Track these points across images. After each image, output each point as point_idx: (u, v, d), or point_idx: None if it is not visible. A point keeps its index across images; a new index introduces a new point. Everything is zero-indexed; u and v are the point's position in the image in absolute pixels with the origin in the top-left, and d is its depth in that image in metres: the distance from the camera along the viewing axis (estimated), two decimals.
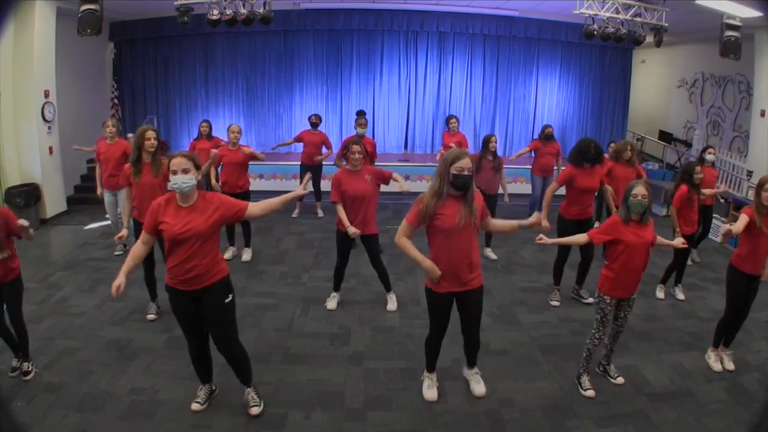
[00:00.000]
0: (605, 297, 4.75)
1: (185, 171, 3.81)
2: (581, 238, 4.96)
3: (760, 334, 6.15)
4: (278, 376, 5.02)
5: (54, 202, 10.10)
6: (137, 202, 5.84)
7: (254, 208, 4.12)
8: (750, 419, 4.59)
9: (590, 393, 4.81)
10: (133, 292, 6.66)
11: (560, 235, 6.38)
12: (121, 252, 8.19)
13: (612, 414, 4.59)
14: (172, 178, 3.82)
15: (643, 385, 5.03)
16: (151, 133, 5.77)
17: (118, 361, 5.19)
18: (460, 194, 4.13)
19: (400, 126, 14.15)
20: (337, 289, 6.58)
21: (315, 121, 10.02)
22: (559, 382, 5.06)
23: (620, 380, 4.99)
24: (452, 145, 9.44)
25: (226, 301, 4.09)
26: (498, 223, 4.59)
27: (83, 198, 11.09)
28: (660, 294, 7.06)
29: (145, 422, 4.31)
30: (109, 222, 8.54)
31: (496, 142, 8.01)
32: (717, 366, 5.35)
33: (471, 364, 4.81)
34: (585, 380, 4.92)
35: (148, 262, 5.92)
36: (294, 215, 10.24)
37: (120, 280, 3.83)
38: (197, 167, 3.91)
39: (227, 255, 7.73)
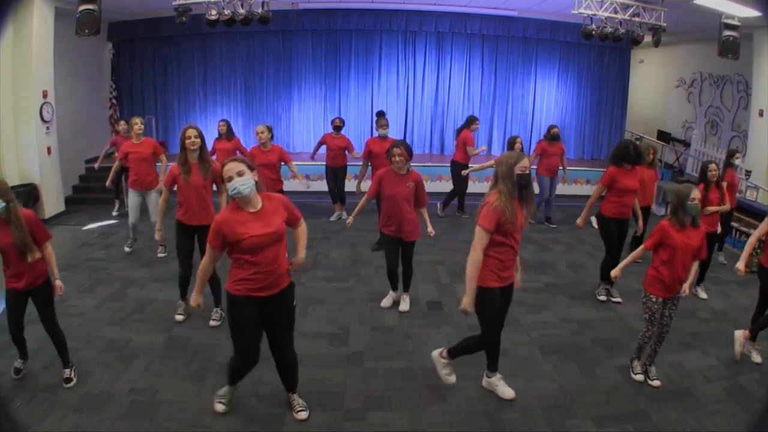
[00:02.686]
0: (651, 296, 4.90)
1: (240, 174, 3.72)
2: (639, 252, 5.07)
3: (760, 334, 6.14)
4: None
5: (52, 203, 10.09)
6: (185, 203, 5.76)
7: (301, 226, 4.21)
8: (749, 419, 4.60)
9: (639, 377, 5.09)
10: (132, 292, 6.69)
11: (601, 232, 6.85)
12: (165, 254, 8.05)
13: (612, 414, 4.60)
14: (228, 185, 3.73)
15: (643, 385, 5.03)
16: (191, 131, 5.61)
17: (117, 362, 5.18)
18: (520, 194, 4.22)
19: (399, 126, 14.10)
20: (394, 288, 6.59)
21: (339, 125, 9.98)
22: (559, 382, 5.06)
23: (657, 383, 5.00)
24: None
25: (295, 303, 4.12)
26: None
27: (82, 198, 11.10)
28: (702, 294, 7.21)
29: (144, 422, 4.31)
30: (109, 222, 8.50)
31: (521, 143, 8.09)
32: (758, 358, 5.54)
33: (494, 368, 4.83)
34: (636, 365, 5.18)
35: (186, 264, 5.92)
36: (334, 218, 10.30)
37: (198, 299, 4.10)
38: (251, 168, 3.83)
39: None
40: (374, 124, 13.56)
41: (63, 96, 10.41)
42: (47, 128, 9.81)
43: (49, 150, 9.90)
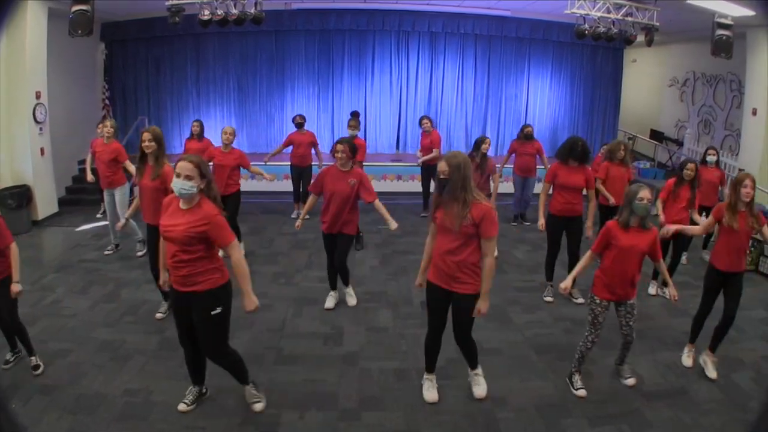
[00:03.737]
0: (596, 297, 4.78)
1: (188, 177, 3.79)
2: (587, 259, 4.93)
3: (753, 332, 6.19)
4: (272, 377, 5.02)
5: (46, 204, 10.06)
6: (141, 203, 5.90)
7: (235, 254, 4.02)
8: (745, 417, 4.63)
9: (581, 392, 4.82)
10: (125, 293, 6.68)
11: (548, 231, 6.79)
12: (111, 251, 8.23)
13: (607, 413, 4.62)
14: (174, 180, 3.82)
15: (638, 384, 5.05)
16: (145, 135, 5.63)
17: (111, 363, 5.18)
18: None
19: (392, 126, 14.17)
20: (332, 287, 6.60)
21: (300, 122, 10.00)
22: (553, 381, 5.08)
23: (631, 381, 4.98)
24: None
25: (213, 313, 4.00)
26: None
27: (75, 199, 11.07)
28: (651, 290, 7.22)
29: (139, 423, 4.31)
30: (102, 224, 8.51)
31: (488, 145, 8.01)
32: (688, 362, 5.43)
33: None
34: (577, 379, 4.92)
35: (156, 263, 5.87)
36: (294, 215, 10.24)
37: (164, 276, 4.36)
38: (202, 176, 3.87)
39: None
40: (365, 125, 13.70)
41: (56, 97, 10.36)
42: (40, 129, 9.78)
43: (42, 151, 9.87)
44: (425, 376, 4.81)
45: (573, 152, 6.43)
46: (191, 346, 4.23)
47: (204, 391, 4.61)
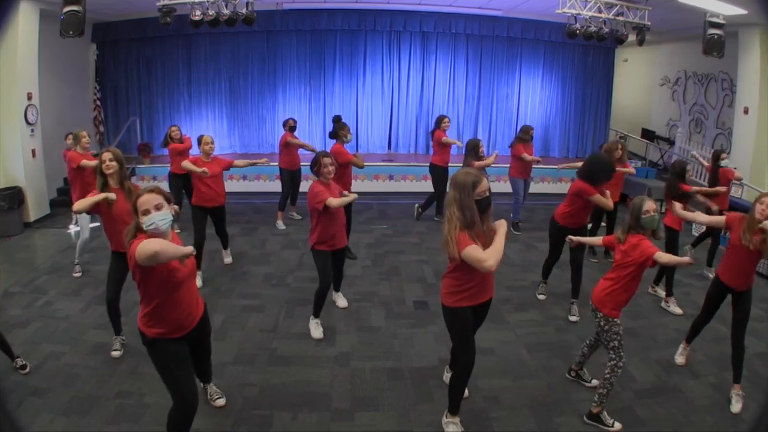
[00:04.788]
0: (617, 320, 4.41)
1: (158, 207, 3.40)
2: (598, 240, 5.00)
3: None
4: (264, 378, 5.03)
5: (37, 206, 10.04)
6: (110, 232, 5.12)
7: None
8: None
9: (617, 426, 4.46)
10: None
11: (552, 238, 6.66)
12: (80, 273, 7.52)
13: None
14: (145, 218, 3.37)
15: (630, 382, 5.10)
16: (106, 155, 4.99)
17: (103, 365, 5.19)
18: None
19: (384, 126, 14.19)
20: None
21: (293, 125, 9.73)
22: (546, 380, 5.11)
23: (595, 382, 4.89)
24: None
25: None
26: None
27: (66, 201, 11.00)
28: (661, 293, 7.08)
29: (131, 426, 4.33)
30: (93, 225, 8.39)
31: (483, 147, 8.05)
32: (681, 360, 5.45)
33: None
34: (606, 416, 4.51)
35: (116, 294, 5.37)
36: (281, 226, 9.98)
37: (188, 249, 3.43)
38: (168, 201, 3.52)
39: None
40: (357, 125, 13.72)
41: (47, 98, 10.35)
42: (32, 131, 9.77)
43: (33, 152, 9.85)
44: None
45: (605, 176, 6.12)
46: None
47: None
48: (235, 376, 5.05)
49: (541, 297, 6.97)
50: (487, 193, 3.87)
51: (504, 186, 10.98)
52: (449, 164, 9.91)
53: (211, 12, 9.11)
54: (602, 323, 4.39)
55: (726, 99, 12.26)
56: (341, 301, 6.64)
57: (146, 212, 3.38)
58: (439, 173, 9.81)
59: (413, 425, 4.45)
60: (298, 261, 8.05)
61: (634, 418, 4.58)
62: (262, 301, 6.68)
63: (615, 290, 4.35)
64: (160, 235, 3.38)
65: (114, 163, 4.97)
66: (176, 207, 3.76)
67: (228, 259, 7.96)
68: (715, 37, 9.13)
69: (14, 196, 9.28)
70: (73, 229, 9.56)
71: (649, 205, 4.29)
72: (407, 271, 7.77)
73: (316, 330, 5.89)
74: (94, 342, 5.60)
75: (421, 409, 4.64)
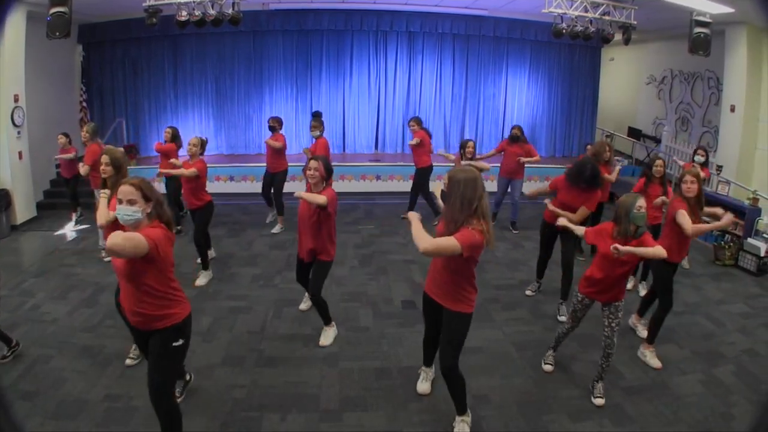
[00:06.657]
0: (578, 294, 4.92)
1: (131, 202, 3.45)
2: (580, 230, 5.10)
3: (733, 326, 6.32)
4: (252, 379, 5.05)
5: (24, 208, 9.98)
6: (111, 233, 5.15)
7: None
8: (726, 411, 4.76)
9: (548, 368, 5.31)
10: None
11: (541, 235, 6.73)
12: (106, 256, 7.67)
13: (588, 408, 4.71)
14: (117, 206, 3.47)
15: (618, 379, 5.16)
16: (103, 158, 4.97)
17: (92, 368, 5.19)
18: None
19: (371, 126, 14.21)
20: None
21: (273, 125, 9.46)
22: (534, 378, 5.17)
23: (599, 402, 4.77)
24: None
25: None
26: None
27: (53, 203, 10.96)
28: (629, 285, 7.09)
29: (120, 429, 4.34)
30: (81, 227, 8.37)
31: (473, 147, 8.08)
32: (655, 362, 5.46)
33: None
34: (548, 356, 5.40)
35: None
36: (268, 220, 10.01)
37: None
38: (146, 198, 3.52)
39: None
40: (344, 125, 13.75)
41: (33, 100, 10.29)
42: (18, 133, 9.70)
43: (20, 155, 9.79)
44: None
45: (581, 178, 6.08)
46: None
47: (189, 378, 4.73)
48: (224, 378, 5.06)
49: (528, 293, 7.06)
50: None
51: (491, 186, 11.02)
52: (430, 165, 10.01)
53: (197, 12, 9.09)
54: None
55: (712, 97, 12.34)
56: (324, 338, 5.98)
57: (120, 202, 3.47)
58: (422, 177, 9.95)
59: (402, 425, 4.49)
60: (285, 262, 8.05)
61: (623, 414, 4.64)
62: (250, 303, 6.69)
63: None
64: (129, 227, 3.49)
65: (109, 168, 4.91)
66: (160, 207, 3.65)
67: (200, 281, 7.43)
68: (702, 35, 9.18)
69: (1, 199, 9.22)
70: (69, 228, 9.62)
71: (642, 202, 4.52)
72: (395, 271, 7.80)
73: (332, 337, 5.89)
74: (82, 345, 5.60)
75: (410, 409, 4.68)
